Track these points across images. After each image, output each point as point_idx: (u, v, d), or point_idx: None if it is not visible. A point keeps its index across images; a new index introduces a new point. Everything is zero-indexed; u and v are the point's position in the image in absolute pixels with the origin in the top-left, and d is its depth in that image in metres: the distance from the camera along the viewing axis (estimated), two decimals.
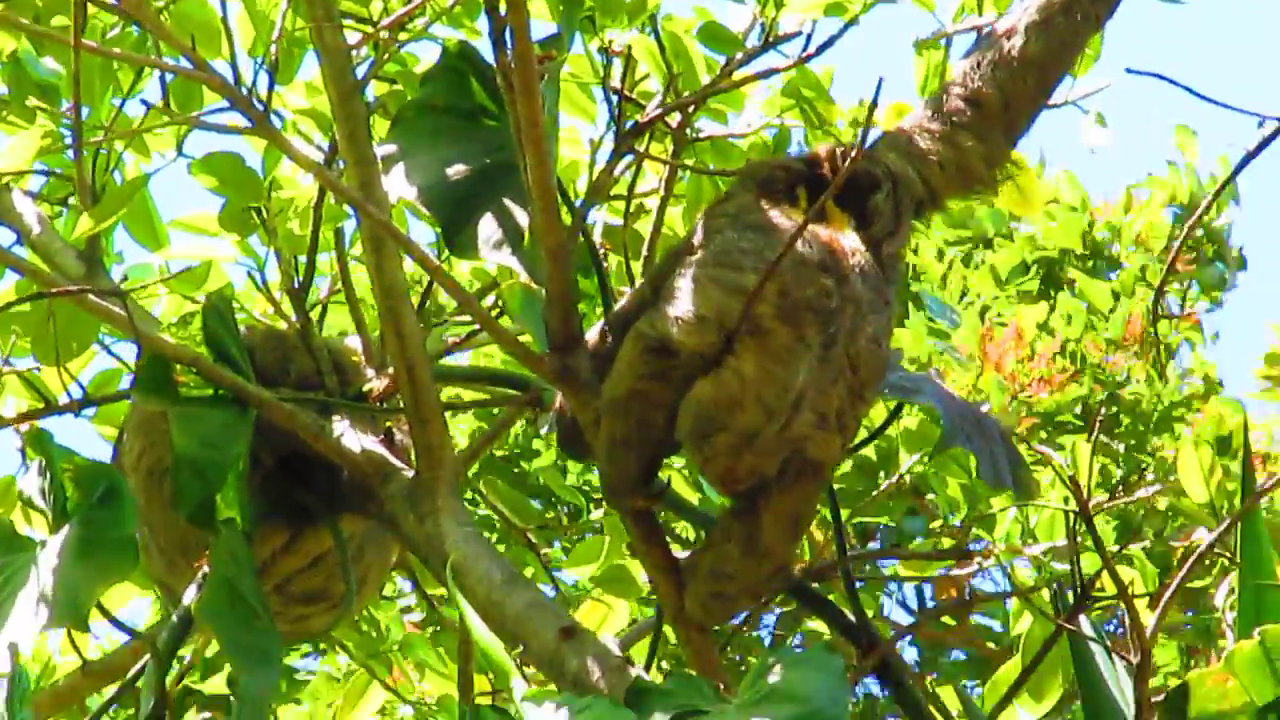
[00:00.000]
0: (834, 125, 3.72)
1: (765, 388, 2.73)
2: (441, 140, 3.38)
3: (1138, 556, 4.23)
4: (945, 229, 8.62)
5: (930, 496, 6.08)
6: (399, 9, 3.55)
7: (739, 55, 3.56)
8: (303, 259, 3.51)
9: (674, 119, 3.62)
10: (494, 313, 3.88)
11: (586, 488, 6.15)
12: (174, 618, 3.21)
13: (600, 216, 3.88)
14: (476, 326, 3.98)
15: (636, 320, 2.86)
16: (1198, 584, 6.66)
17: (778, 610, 7.26)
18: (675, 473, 4.21)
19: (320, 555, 3.42)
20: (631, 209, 3.80)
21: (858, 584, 3.33)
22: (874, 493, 5.34)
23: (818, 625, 7.11)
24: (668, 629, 3.03)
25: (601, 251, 3.72)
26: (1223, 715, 2.88)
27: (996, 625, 7.52)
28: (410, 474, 3.24)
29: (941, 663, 7.73)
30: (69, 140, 3.66)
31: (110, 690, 4.09)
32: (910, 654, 7.86)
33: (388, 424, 3.40)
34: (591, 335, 3.02)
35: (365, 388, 3.43)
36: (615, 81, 3.54)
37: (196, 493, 3.10)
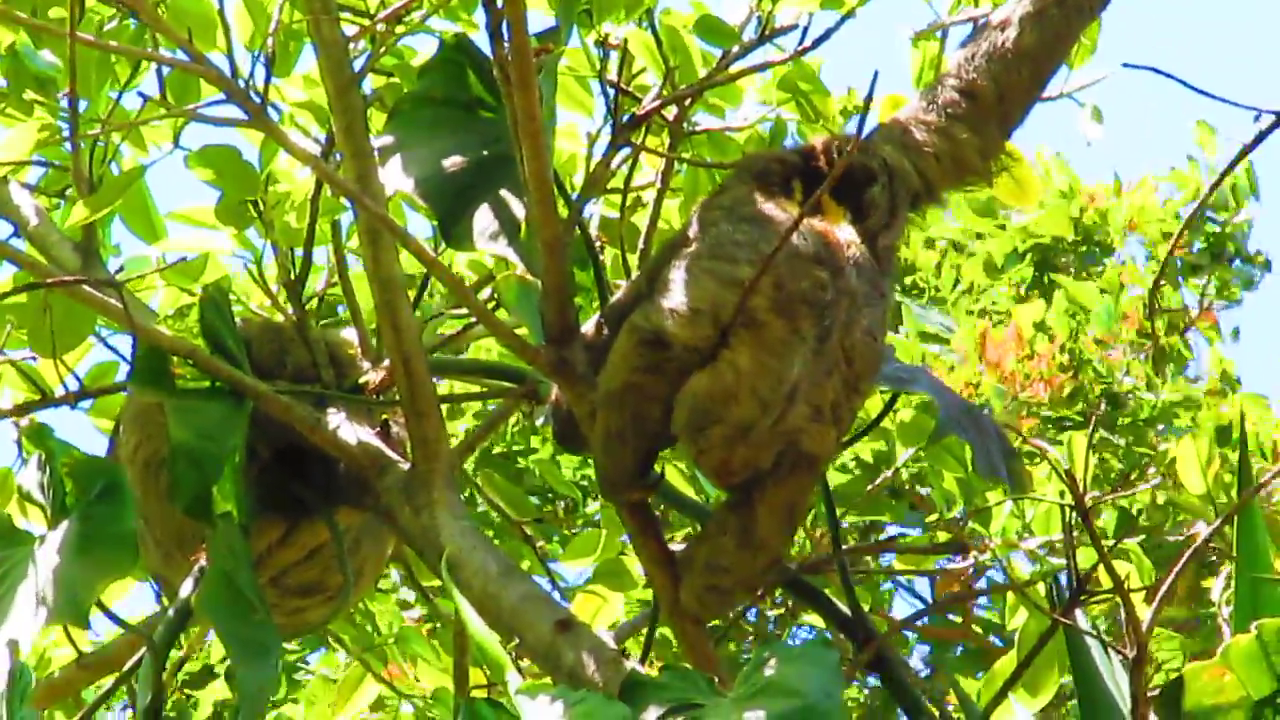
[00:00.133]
0: (830, 119, 3.72)
1: (760, 380, 2.73)
2: (438, 133, 3.38)
3: (1134, 551, 4.23)
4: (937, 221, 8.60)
5: (926, 491, 6.08)
6: (396, 2, 3.55)
7: (736, 49, 3.56)
8: (299, 252, 3.51)
9: (671, 112, 3.62)
10: (490, 305, 3.88)
11: (583, 481, 6.16)
12: (170, 611, 3.22)
13: (597, 209, 3.89)
14: (473, 320, 3.98)
15: (632, 313, 2.86)
16: (1209, 583, 6.63)
17: (773, 615, 7.27)
18: (671, 465, 4.21)
19: (316, 548, 3.42)
20: (628, 202, 3.80)
21: (854, 578, 3.32)
22: (868, 488, 5.34)
23: (814, 619, 7.11)
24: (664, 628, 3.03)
25: (598, 244, 3.72)
26: (1219, 709, 2.87)
27: (996, 621, 7.52)
28: (406, 467, 3.23)
29: (947, 658, 7.72)
30: (66, 133, 3.66)
31: (106, 683, 4.10)
32: (920, 650, 7.86)
33: (384, 417, 3.39)
34: (587, 328, 3.02)
35: (361, 380, 3.43)
36: (612, 75, 3.54)
37: (193, 485, 3.10)
